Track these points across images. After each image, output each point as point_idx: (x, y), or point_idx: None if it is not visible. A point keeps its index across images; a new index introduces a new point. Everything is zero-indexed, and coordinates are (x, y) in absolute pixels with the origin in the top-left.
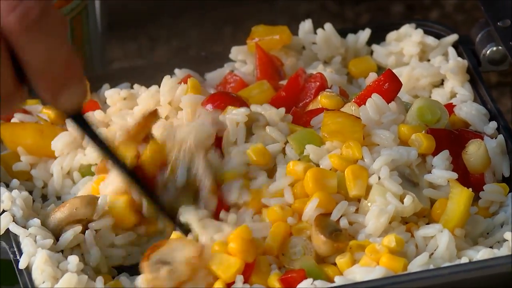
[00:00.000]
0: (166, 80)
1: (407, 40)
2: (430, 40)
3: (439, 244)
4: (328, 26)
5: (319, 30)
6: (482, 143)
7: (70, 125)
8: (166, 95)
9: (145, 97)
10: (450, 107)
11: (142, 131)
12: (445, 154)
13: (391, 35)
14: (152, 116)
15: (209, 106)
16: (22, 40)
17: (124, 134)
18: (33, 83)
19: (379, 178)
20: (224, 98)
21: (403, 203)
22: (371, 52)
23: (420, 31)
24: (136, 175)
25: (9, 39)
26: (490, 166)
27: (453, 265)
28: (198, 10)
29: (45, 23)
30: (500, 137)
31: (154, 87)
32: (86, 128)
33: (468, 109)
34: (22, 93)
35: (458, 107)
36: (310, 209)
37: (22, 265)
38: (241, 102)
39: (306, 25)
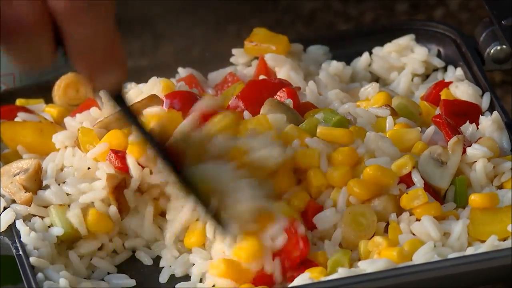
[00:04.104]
0: (151, 80)
1: (410, 56)
2: (436, 61)
3: (452, 233)
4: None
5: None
6: (484, 161)
7: (68, 124)
8: (148, 94)
9: (132, 94)
10: (442, 85)
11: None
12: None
13: (390, 46)
14: (152, 100)
15: (166, 102)
16: (68, 22)
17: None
18: (72, 59)
19: None
20: (185, 98)
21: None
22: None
23: (425, 50)
24: (171, 156)
25: (55, 16)
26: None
27: (454, 257)
28: (202, 8)
29: (93, 9)
30: (495, 113)
31: (142, 85)
32: (125, 109)
33: (464, 88)
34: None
35: (454, 84)
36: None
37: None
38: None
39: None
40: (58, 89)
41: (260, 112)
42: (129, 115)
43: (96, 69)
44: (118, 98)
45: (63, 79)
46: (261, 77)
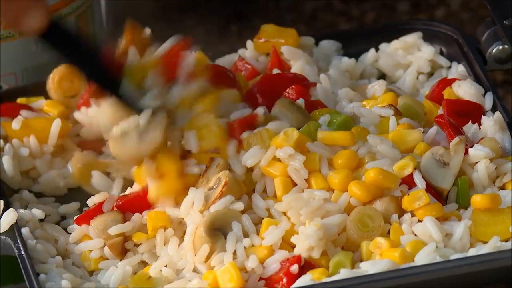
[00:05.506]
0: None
1: (416, 54)
2: (443, 61)
3: (453, 234)
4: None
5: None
6: (487, 161)
7: (79, 118)
8: None
9: None
10: (445, 82)
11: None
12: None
13: (397, 43)
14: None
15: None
16: None
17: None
18: None
19: None
20: (218, 74)
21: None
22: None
23: (431, 49)
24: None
25: None
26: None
27: (457, 259)
28: (204, 8)
29: None
30: (497, 113)
31: None
32: (57, 46)
33: (466, 87)
34: None
35: (457, 83)
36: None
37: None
38: (233, 82)
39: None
40: (53, 83)
41: (271, 112)
42: (64, 50)
43: (20, 13)
44: (48, 37)
45: (56, 72)
46: (275, 70)
